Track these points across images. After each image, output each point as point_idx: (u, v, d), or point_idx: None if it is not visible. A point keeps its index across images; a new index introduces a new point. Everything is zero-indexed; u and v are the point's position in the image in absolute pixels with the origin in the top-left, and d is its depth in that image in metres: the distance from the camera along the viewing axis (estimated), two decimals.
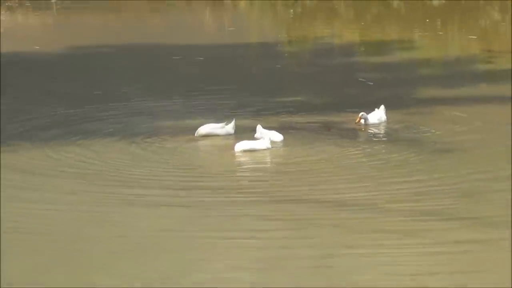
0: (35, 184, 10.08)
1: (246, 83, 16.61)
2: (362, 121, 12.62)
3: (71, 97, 15.25)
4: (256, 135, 11.88)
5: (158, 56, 19.87)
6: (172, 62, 19.08)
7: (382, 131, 12.27)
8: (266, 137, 11.75)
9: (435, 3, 27.09)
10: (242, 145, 11.60)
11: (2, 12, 27.06)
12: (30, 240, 8.03)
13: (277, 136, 11.76)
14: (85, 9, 27.58)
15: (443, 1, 27.17)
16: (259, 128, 12.00)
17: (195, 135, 12.21)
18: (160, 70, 18.28)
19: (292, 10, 27.56)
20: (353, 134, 12.24)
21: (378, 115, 12.68)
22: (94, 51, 20.22)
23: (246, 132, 11.95)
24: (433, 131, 12.05)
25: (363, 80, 16.12)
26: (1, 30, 24.80)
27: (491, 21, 24.64)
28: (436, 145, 11.27)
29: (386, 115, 12.66)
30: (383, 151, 11.36)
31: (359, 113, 12.56)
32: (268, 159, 11.41)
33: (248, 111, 13.53)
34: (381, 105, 12.76)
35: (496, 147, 11.12)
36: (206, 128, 12.30)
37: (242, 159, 11.30)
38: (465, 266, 7.21)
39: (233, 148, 11.44)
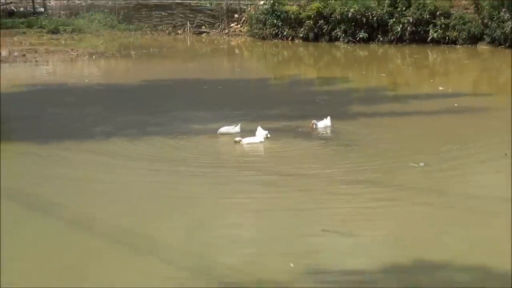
0: (125, 165, 11.96)
1: (248, 101, 18.90)
2: (314, 126, 14.17)
3: (140, 110, 17.41)
4: (256, 133, 13.21)
5: (194, 85, 22.37)
6: (203, 89, 21.62)
7: (328, 133, 14.14)
8: (261, 135, 13.11)
9: (361, 53, 30.72)
10: (245, 140, 13.03)
11: (105, 61, 30.26)
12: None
13: (266, 133, 13.14)
14: (151, 57, 31.03)
15: (366, 53, 30.78)
16: (259, 128, 13.31)
17: (217, 133, 13.73)
18: (195, 94, 20.45)
19: (276, 59, 31.47)
20: (311, 134, 14.03)
21: (325, 123, 14.30)
22: (156, 83, 23.05)
23: (249, 132, 13.55)
24: (359, 133, 14.01)
25: (318, 100, 18.56)
26: (105, 70, 28.08)
27: (395, 65, 28.42)
28: (361, 141, 13.32)
29: (331, 123, 14.34)
30: (330, 144, 13.33)
31: (312, 121, 14.18)
32: (262, 149, 12.99)
33: (249, 118, 15.15)
34: (328, 116, 14.46)
35: (398, 144, 13.21)
36: (223, 129, 13.78)
37: (245, 149, 12.90)
38: (387, 215, 9.12)
39: (239, 142, 12.95)
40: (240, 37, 40.00)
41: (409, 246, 7.91)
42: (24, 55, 32.42)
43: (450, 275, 7.09)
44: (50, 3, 48.12)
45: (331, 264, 7.35)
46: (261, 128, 13.38)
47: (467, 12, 32.21)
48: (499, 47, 30.39)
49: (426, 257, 7.45)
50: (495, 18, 30.52)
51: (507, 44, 30.12)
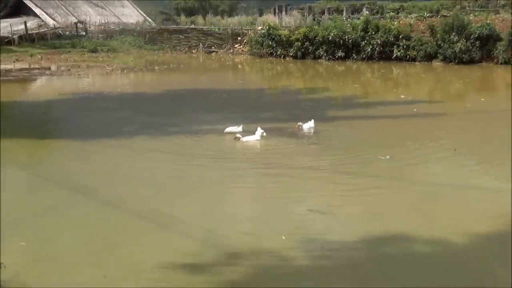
0: (148, 157, 11.85)
1: (248, 107, 18.78)
2: (300, 127, 13.91)
3: (161, 114, 17.30)
4: (256, 133, 12.89)
5: (204, 94, 22.31)
6: (211, 97, 21.51)
7: (312, 132, 13.84)
8: (258, 133, 12.80)
9: (339, 69, 30.59)
10: (244, 138, 12.82)
11: (134, 74, 30.13)
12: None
13: (263, 132, 12.83)
14: (171, 71, 30.98)
15: (343, 68, 30.74)
16: (258, 128, 12.97)
17: (223, 132, 13.47)
18: (205, 101, 20.41)
19: (270, 73, 31.27)
20: (297, 134, 13.79)
21: (309, 124, 13.97)
22: (174, 92, 23.11)
23: (249, 131, 13.25)
24: (337, 133, 13.82)
25: (304, 106, 18.47)
26: (134, 81, 28.01)
27: (366, 78, 28.07)
28: (339, 139, 13.16)
29: (314, 124, 14.00)
30: (313, 142, 13.17)
31: (298, 123, 13.94)
32: (259, 145, 12.75)
33: (249, 120, 14.85)
34: (312, 119, 14.16)
35: (369, 141, 12.97)
36: (228, 129, 13.52)
37: (246, 144, 12.69)
38: (360, 197, 9.04)
39: (239, 139, 12.74)
40: (242, 55, 40.02)
41: (377, 221, 7.90)
42: (69, 69, 32.54)
43: (410, 243, 7.10)
44: (90, 28, 48.34)
45: (314, 236, 7.34)
46: (260, 128, 13.16)
47: (424, 35, 32.37)
48: (450, 64, 30.53)
49: (391, 230, 7.47)
50: (447, 40, 30.74)
51: (456, 61, 30.34)
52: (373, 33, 33.20)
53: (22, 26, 46.73)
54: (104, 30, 47.38)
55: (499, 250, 6.88)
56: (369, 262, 6.62)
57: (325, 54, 34.53)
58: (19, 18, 48.70)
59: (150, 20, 55.81)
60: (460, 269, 6.44)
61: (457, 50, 30.12)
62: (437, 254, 6.77)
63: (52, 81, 28.72)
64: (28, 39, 45.67)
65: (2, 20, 47.72)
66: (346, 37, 33.72)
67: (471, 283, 6.05)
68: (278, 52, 36.51)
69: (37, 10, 50.07)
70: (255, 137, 12.97)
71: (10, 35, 45.59)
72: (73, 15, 51.53)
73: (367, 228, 7.60)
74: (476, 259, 6.65)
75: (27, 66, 34.44)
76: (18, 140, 14.25)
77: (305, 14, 44.88)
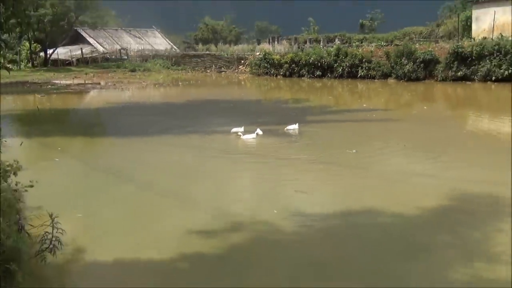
0: (172, 150, 11.71)
1: (248, 113, 18.34)
2: (286, 129, 13.65)
3: (183, 118, 17.13)
4: (255, 132, 12.74)
5: (216, 103, 21.98)
6: (221, 105, 21.30)
7: (296, 133, 13.55)
8: (255, 133, 12.63)
9: (317, 84, 30.19)
10: (244, 136, 12.61)
11: (163, 88, 29.85)
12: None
13: (260, 132, 12.73)
14: (191, 86, 30.68)
15: (320, 84, 30.28)
16: (258, 129, 12.80)
17: (230, 132, 13.21)
18: (216, 108, 20.16)
19: (265, 87, 30.92)
20: (285, 134, 13.51)
21: (294, 127, 13.68)
22: (193, 102, 22.71)
23: (249, 131, 12.97)
24: (316, 133, 13.51)
25: (291, 113, 17.95)
26: (163, 93, 27.75)
27: (338, 91, 27.78)
28: (317, 138, 12.86)
29: (298, 127, 13.69)
30: (298, 140, 12.85)
31: (286, 127, 13.71)
32: (255, 142, 12.45)
33: (249, 123, 14.14)
34: (296, 123, 13.87)
35: (340, 139, 12.86)
36: (233, 130, 13.22)
37: (246, 142, 12.47)
38: (333, 181, 8.94)
39: (240, 137, 12.60)
40: (244, 74, 39.57)
41: (346, 199, 7.81)
42: (114, 84, 32.40)
43: (372, 215, 7.00)
44: (130, 53, 48.30)
45: (299, 210, 7.24)
46: (258, 129, 12.99)
47: (381, 59, 32.04)
48: (401, 81, 30.12)
49: (357, 205, 7.38)
50: (398, 63, 30.41)
51: (405, 79, 29.94)
52: (343, 57, 32.94)
53: (79, 52, 47.44)
54: (141, 55, 47.41)
55: (437, 220, 6.84)
56: (340, 229, 6.59)
57: (307, 73, 34.26)
58: (77, 46, 49.10)
59: (175, 47, 55.80)
60: (409, 233, 6.38)
61: (406, 71, 29.97)
62: (392, 222, 6.73)
63: (101, 93, 28.58)
64: (83, 62, 46.31)
65: (63, 47, 48.16)
66: (323, 60, 33.49)
67: (417, 244, 5.98)
68: (272, 72, 36.27)
69: (91, 40, 50.44)
70: (252, 135, 12.77)
71: (70, 59, 46.41)
72: (117, 44, 51.70)
73: (338, 204, 7.54)
74: (421, 226, 6.61)
75: (83, 82, 34.55)
76: (74, 137, 14.27)
77: (292, 43, 44.82)
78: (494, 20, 32.43)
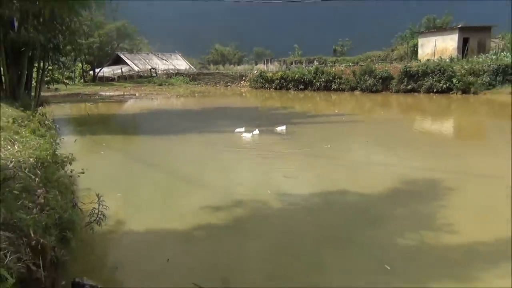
0: (190, 145, 11.32)
1: (248, 117, 18.13)
2: (277, 130, 13.28)
3: (199, 121, 16.90)
4: (254, 132, 12.54)
5: (223, 110, 21.79)
6: (226, 111, 21.19)
7: (285, 132, 13.12)
8: (254, 132, 12.42)
9: (301, 95, 29.80)
10: (244, 135, 12.40)
11: (183, 98, 28.98)
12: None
13: (257, 131, 12.45)
14: (205, 97, 30.31)
15: (302, 95, 29.90)
16: (256, 130, 12.63)
17: (234, 132, 12.94)
18: (224, 114, 19.96)
19: (261, 98, 30.34)
20: (277, 133, 13.12)
21: (282, 128, 13.36)
22: (206, 109, 22.39)
23: (249, 131, 12.78)
24: (299, 132, 13.12)
25: (280, 117, 17.62)
26: (183, 102, 26.88)
27: (316, 101, 27.02)
28: (300, 136, 12.48)
29: (286, 127, 13.36)
30: (286, 137, 12.40)
31: (276, 128, 13.36)
32: (253, 140, 12.13)
33: (249, 125, 14.02)
34: (284, 124, 13.65)
35: (317, 137, 12.82)
36: (237, 130, 13.01)
37: (246, 139, 12.19)
38: (314, 168, 8.69)
39: (241, 135, 12.34)
40: (245, 88, 39.10)
41: (324, 183, 7.65)
42: (146, 95, 32.06)
43: (344, 195, 6.86)
44: (158, 71, 47.79)
45: (288, 191, 7.09)
46: (257, 129, 12.79)
47: (349, 76, 31.79)
48: (364, 92, 29.88)
49: (332, 188, 7.24)
50: (362, 79, 30.22)
51: (368, 91, 29.74)
52: (320, 75, 32.76)
53: (119, 70, 47.76)
54: (166, 73, 46.95)
55: (393, 198, 6.70)
56: (319, 206, 6.44)
57: (292, 87, 34.02)
58: (118, 66, 49.14)
59: (193, 67, 55.56)
60: (371, 208, 6.23)
61: (368, 85, 29.86)
62: (358, 200, 6.61)
63: (136, 102, 28.24)
64: (122, 78, 46.23)
65: (107, 67, 48.59)
66: (305, 77, 33.29)
67: (378, 216, 5.86)
68: (266, 86, 36.00)
69: (128, 61, 50.21)
70: (249, 134, 12.54)
71: (113, 76, 46.75)
72: (149, 64, 51.49)
73: (318, 186, 7.39)
74: (380, 203, 6.47)
75: (122, 93, 34.29)
76: (116, 135, 14.16)
77: (282, 64, 44.74)
78: (435, 46, 32.92)
